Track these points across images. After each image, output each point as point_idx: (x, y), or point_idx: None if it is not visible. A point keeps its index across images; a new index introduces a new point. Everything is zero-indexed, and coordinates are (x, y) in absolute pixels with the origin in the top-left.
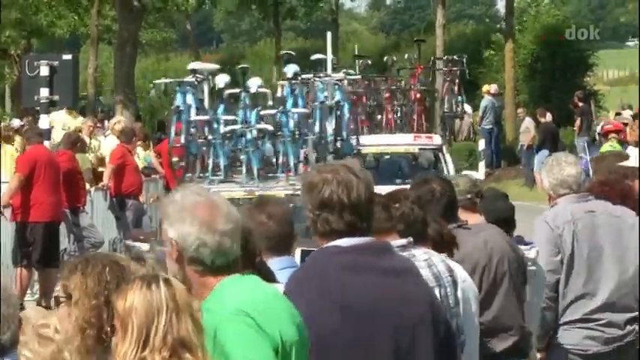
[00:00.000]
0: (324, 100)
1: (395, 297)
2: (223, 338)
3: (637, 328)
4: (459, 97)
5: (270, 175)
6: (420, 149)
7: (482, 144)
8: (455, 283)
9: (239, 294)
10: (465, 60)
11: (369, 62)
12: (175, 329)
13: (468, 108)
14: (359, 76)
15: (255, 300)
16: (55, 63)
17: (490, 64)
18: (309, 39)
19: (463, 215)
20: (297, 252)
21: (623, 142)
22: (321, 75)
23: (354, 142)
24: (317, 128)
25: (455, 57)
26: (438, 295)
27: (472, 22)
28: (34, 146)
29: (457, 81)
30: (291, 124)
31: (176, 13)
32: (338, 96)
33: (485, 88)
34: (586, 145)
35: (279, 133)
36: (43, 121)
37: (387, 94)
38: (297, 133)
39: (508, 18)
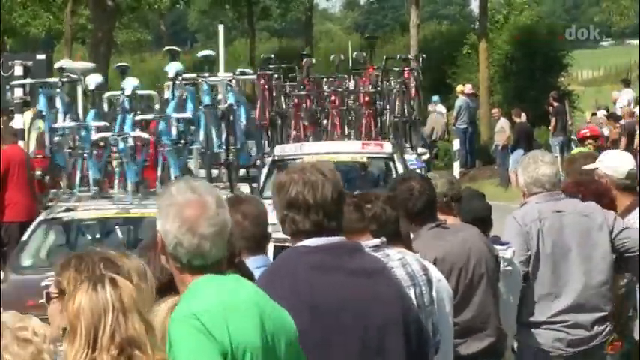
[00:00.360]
0: (210, 104)
1: (365, 297)
2: (171, 339)
3: (605, 329)
4: (413, 102)
5: (152, 190)
6: (369, 158)
7: (456, 144)
8: (430, 282)
9: (203, 295)
10: (422, 60)
11: (342, 57)
12: (123, 328)
13: (442, 108)
14: (253, 76)
15: (214, 302)
16: (29, 63)
17: (464, 64)
18: (283, 39)
19: (440, 216)
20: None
21: (600, 148)
22: (206, 75)
23: (253, 150)
24: (201, 136)
25: (409, 56)
26: (413, 295)
27: (446, 22)
28: (9, 146)
29: (414, 83)
30: (173, 131)
31: (150, 13)
32: (230, 98)
33: (459, 88)
34: (560, 144)
35: (160, 142)
36: (18, 121)
37: (333, 97)
38: (180, 142)
39: (482, 18)
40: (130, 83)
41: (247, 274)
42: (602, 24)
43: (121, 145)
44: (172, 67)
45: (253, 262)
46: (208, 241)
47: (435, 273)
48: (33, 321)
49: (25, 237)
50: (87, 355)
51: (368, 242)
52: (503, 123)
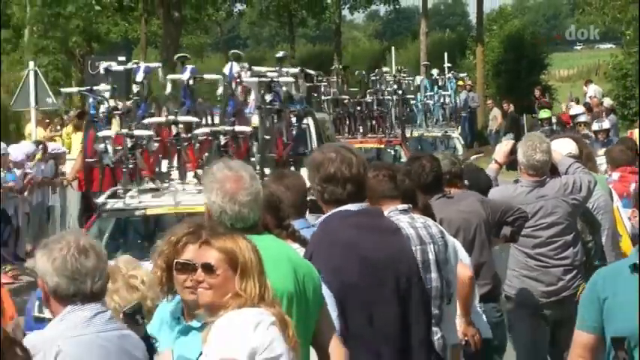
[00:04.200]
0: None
1: (393, 250)
2: None
3: (575, 281)
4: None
5: None
6: None
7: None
8: (446, 243)
9: None
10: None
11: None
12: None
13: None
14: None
15: None
16: (114, 63)
17: (464, 65)
18: (317, 44)
19: (446, 188)
20: None
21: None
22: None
23: None
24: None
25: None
26: (431, 252)
27: (449, 30)
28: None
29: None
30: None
31: (209, 22)
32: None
33: (461, 82)
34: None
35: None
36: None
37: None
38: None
39: (478, 27)
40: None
41: (294, 234)
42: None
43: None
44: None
45: (296, 225)
46: (247, 207)
47: (449, 236)
48: (142, 270)
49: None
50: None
51: (398, 206)
52: (495, 112)
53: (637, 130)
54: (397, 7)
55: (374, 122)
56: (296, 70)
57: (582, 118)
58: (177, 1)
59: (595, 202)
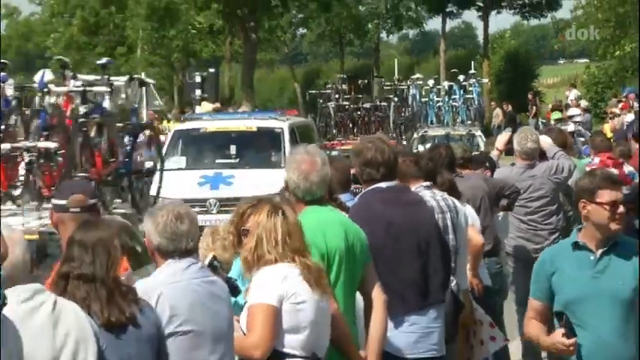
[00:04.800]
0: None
1: (415, 218)
2: None
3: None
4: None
5: None
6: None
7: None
8: (458, 212)
9: (308, 218)
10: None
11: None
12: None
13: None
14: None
15: (313, 221)
16: (205, 74)
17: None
18: (360, 59)
19: (458, 169)
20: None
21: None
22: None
23: None
24: None
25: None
26: (449, 219)
27: (461, 48)
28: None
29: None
30: None
31: (278, 42)
32: None
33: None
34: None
35: None
36: (197, 110)
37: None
38: None
39: (485, 46)
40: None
41: (342, 205)
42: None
43: None
44: None
45: (342, 197)
46: (315, 185)
47: (461, 206)
48: (221, 228)
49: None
50: (255, 252)
51: (422, 184)
52: (497, 111)
53: (607, 125)
54: (422, 30)
55: (374, 125)
56: (123, 78)
57: (578, 119)
58: (254, 26)
59: (574, 181)
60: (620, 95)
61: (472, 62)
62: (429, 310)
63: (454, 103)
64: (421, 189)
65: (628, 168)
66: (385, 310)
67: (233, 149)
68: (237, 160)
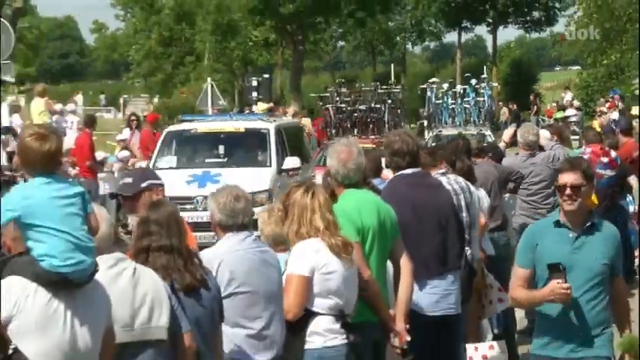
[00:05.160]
0: None
1: (436, 199)
2: None
3: None
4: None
5: None
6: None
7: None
8: (472, 193)
9: (346, 199)
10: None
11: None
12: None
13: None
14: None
15: (351, 201)
16: (260, 79)
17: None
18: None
19: (473, 158)
20: None
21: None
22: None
23: None
24: None
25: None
26: (463, 199)
27: (474, 57)
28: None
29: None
30: None
31: (322, 52)
32: None
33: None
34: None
35: None
36: (254, 109)
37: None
38: None
39: (494, 55)
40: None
41: (375, 188)
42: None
43: None
44: None
45: (375, 182)
46: (352, 171)
47: (474, 189)
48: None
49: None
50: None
51: (440, 170)
52: (504, 110)
53: (596, 122)
54: (441, 42)
55: (371, 126)
56: None
57: (573, 119)
58: (302, 39)
59: None
60: (607, 96)
61: (484, 67)
62: (447, 275)
63: (466, 105)
64: (439, 175)
65: (614, 154)
66: (411, 276)
67: (222, 149)
68: (226, 159)
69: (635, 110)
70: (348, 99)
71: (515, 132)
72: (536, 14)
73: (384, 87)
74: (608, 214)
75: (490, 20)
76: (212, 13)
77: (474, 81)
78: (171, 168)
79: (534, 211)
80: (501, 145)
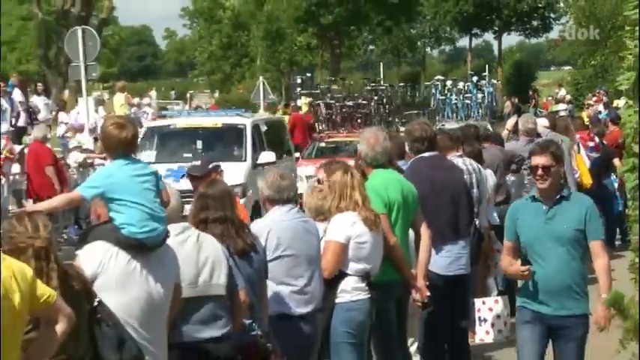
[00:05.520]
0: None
1: (450, 178)
2: None
3: None
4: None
5: None
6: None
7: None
8: (481, 173)
9: (374, 179)
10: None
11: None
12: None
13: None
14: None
15: (379, 180)
16: (304, 77)
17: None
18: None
19: (483, 142)
20: None
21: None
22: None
23: None
24: None
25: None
26: (475, 179)
27: (482, 59)
28: (293, 115)
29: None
30: None
31: (355, 55)
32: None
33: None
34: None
35: None
36: (298, 102)
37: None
38: None
39: (499, 57)
40: None
41: (399, 168)
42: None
43: None
44: None
45: (399, 163)
46: (379, 154)
47: (483, 170)
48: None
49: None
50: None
51: (456, 153)
52: (507, 103)
53: (584, 113)
54: (455, 46)
55: (359, 121)
56: None
57: (562, 113)
58: (338, 44)
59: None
60: (594, 92)
61: (487, 67)
62: (459, 241)
63: (467, 101)
64: (455, 157)
65: (597, 140)
66: (429, 242)
67: (200, 144)
68: (203, 154)
69: (616, 103)
70: (339, 95)
71: (517, 122)
72: (534, 23)
73: (372, 84)
74: (594, 192)
75: (496, 28)
76: (263, 23)
77: (475, 79)
78: (150, 162)
79: (530, 191)
80: (504, 133)
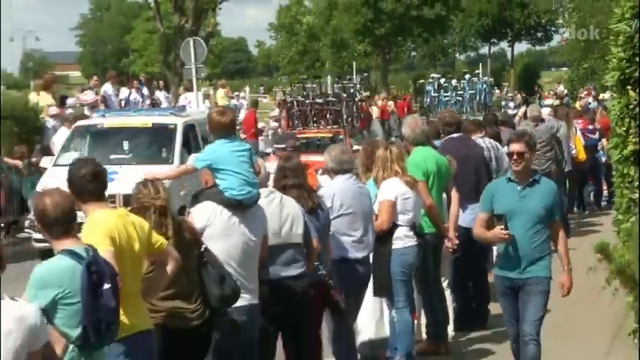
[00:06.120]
0: None
1: (473, 153)
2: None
3: (552, 167)
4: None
5: None
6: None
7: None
8: (498, 150)
9: (416, 154)
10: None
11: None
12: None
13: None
14: None
15: (419, 155)
16: (362, 76)
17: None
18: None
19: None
20: None
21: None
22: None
23: None
24: None
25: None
26: (493, 153)
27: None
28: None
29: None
30: None
31: (400, 59)
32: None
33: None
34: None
35: None
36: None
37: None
38: None
39: (512, 61)
40: None
41: (434, 146)
42: (552, 60)
43: None
44: None
45: (435, 143)
46: (419, 135)
47: (500, 147)
48: None
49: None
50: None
51: (479, 135)
52: (518, 96)
53: (577, 103)
54: (477, 52)
55: (329, 117)
56: None
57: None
58: (388, 51)
59: (561, 135)
60: (586, 87)
61: (480, 64)
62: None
63: (459, 98)
64: (478, 138)
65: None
66: (457, 203)
67: (126, 145)
68: (130, 155)
69: (602, 96)
70: (313, 93)
71: (526, 110)
72: (539, 34)
73: (343, 82)
74: (588, 164)
75: (509, 38)
76: (330, 34)
77: (468, 76)
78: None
79: (537, 162)
80: (516, 119)
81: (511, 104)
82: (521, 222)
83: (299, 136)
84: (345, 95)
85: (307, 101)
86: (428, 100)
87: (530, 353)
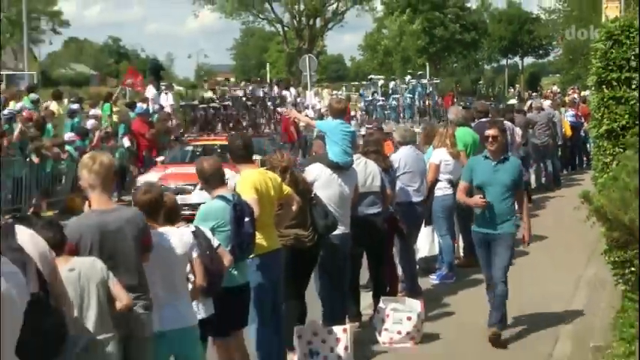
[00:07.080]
0: None
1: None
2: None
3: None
4: None
5: None
6: None
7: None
8: (514, 130)
9: (459, 132)
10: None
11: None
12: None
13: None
14: None
15: (461, 133)
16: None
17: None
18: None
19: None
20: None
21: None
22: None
23: None
24: None
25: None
26: (509, 132)
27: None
28: None
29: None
30: None
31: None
32: None
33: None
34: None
35: None
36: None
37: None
38: None
39: (522, 71)
40: None
41: (471, 126)
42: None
43: None
44: None
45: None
46: (460, 118)
47: (515, 128)
48: None
49: None
50: (437, 142)
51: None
52: (526, 93)
53: (566, 98)
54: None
55: (230, 123)
56: None
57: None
58: (437, 63)
59: (556, 120)
60: (572, 88)
61: (426, 65)
62: None
63: (394, 102)
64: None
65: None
66: None
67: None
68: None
69: (583, 93)
70: (211, 97)
71: (531, 103)
72: (540, 51)
73: (234, 88)
74: (573, 138)
75: (520, 54)
76: (400, 52)
77: (407, 78)
78: None
79: (539, 137)
80: (525, 108)
81: (515, 99)
82: (494, 190)
83: (195, 143)
84: (244, 99)
85: (201, 105)
86: (363, 106)
87: (499, 291)
